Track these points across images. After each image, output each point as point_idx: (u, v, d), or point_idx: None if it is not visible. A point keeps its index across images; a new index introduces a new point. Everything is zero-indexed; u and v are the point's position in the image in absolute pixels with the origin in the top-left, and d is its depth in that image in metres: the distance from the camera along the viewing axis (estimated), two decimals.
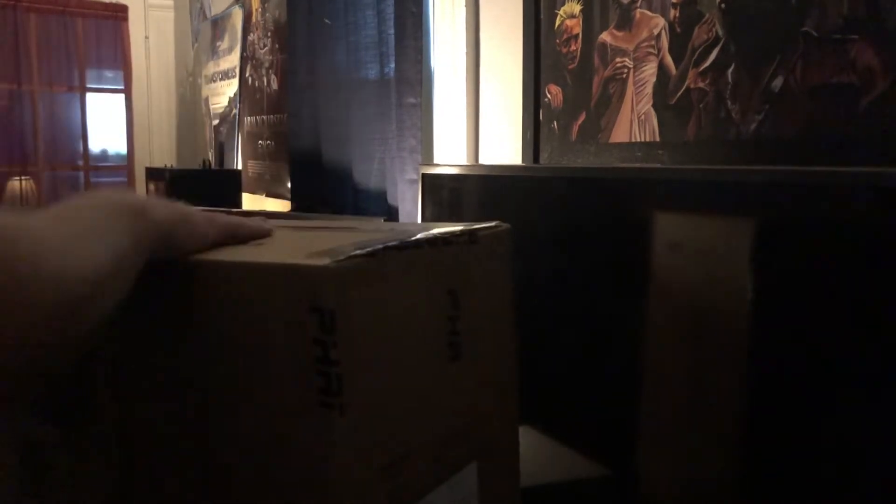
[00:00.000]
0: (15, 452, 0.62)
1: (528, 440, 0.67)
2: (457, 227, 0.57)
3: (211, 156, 3.56)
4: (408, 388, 0.52)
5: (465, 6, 1.56)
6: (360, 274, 0.46)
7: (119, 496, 0.58)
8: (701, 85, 1.07)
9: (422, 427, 0.53)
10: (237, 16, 3.19)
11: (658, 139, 1.15)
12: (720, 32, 1.04)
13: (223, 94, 3.40)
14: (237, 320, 0.49)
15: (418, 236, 0.53)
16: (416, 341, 0.52)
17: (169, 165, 3.76)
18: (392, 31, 1.75)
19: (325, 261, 0.45)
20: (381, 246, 0.48)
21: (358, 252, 0.46)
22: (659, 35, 1.14)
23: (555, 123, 1.36)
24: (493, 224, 0.60)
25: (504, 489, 0.63)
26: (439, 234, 0.55)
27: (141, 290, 0.50)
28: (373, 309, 0.48)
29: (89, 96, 3.96)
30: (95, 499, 0.60)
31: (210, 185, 3.01)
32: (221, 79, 3.41)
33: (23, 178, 3.79)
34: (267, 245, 0.56)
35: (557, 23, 1.34)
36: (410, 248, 0.51)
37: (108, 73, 4.03)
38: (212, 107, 3.56)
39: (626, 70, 1.20)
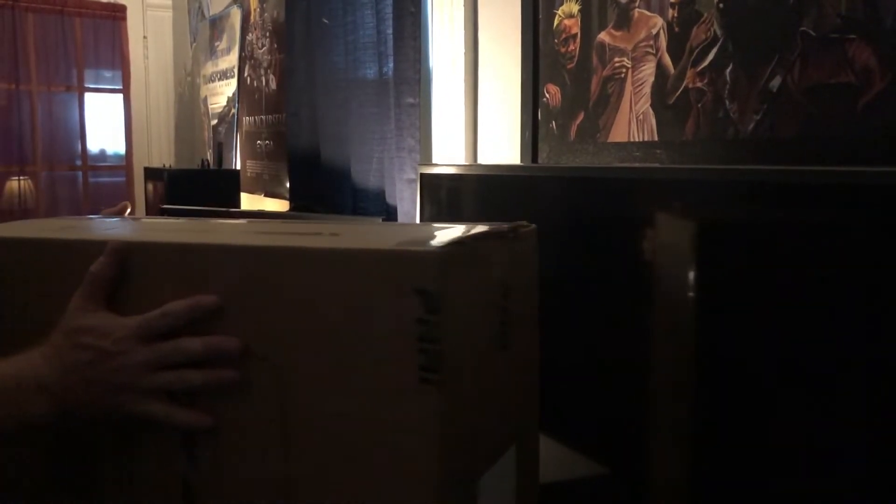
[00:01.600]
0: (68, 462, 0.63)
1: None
2: (492, 225, 0.60)
3: (209, 156, 3.56)
4: (477, 370, 0.54)
5: (464, 6, 1.56)
6: (456, 260, 0.51)
7: (182, 489, 0.59)
8: (699, 84, 1.07)
9: (484, 409, 0.56)
10: (235, 16, 3.19)
11: (656, 139, 1.15)
12: (718, 32, 1.04)
13: (222, 93, 3.39)
14: (333, 304, 0.51)
15: (478, 230, 0.57)
16: (482, 327, 0.56)
17: (167, 165, 3.75)
18: (391, 30, 1.75)
19: (430, 247, 0.49)
20: (464, 235, 0.53)
21: (450, 240, 0.51)
22: (657, 35, 1.14)
23: (553, 123, 1.36)
24: (523, 223, 0.63)
25: (531, 471, 0.66)
26: (492, 229, 0.58)
27: (214, 277, 0.53)
28: (462, 294, 0.51)
29: (87, 96, 3.95)
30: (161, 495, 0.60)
31: (208, 185, 3.00)
32: (220, 79, 3.41)
33: (21, 178, 3.78)
34: (343, 236, 0.58)
35: (556, 22, 1.34)
36: (480, 240, 0.55)
37: (107, 73, 4.02)
38: (210, 107, 3.56)
39: (624, 70, 1.20)
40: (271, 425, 0.54)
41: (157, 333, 0.57)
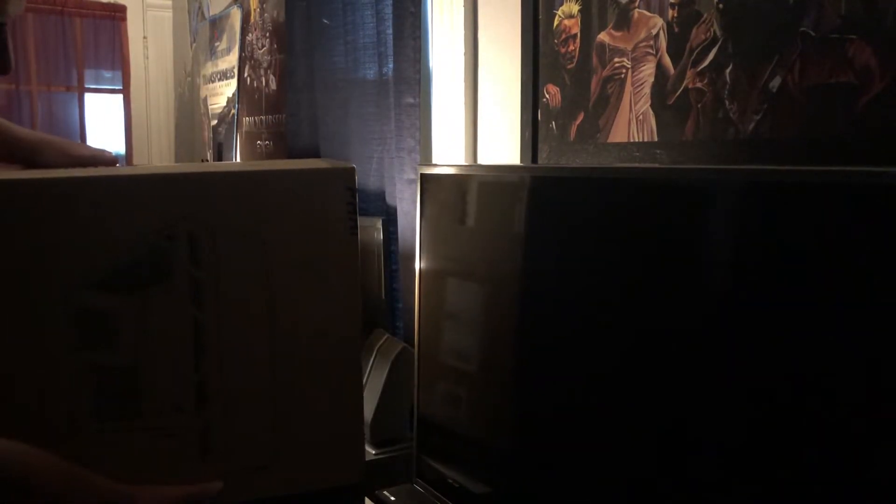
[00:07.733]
0: (71, 324, 0.70)
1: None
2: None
3: (209, 156, 3.56)
4: None
5: (464, 6, 1.56)
6: None
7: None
8: (699, 85, 1.07)
9: None
10: (235, 16, 3.19)
11: (656, 139, 1.15)
12: (718, 32, 1.04)
13: (221, 94, 3.39)
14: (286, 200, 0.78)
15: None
16: None
17: None
18: (390, 30, 1.75)
19: (345, 162, 0.78)
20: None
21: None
22: (657, 35, 1.14)
23: (553, 123, 1.36)
24: None
25: None
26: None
27: None
28: None
29: (87, 96, 3.95)
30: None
31: None
32: (220, 79, 3.41)
33: None
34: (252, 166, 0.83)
35: (556, 23, 1.34)
36: None
37: (107, 74, 4.02)
38: (210, 107, 3.55)
39: (624, 70, 1.20)
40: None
41: None
